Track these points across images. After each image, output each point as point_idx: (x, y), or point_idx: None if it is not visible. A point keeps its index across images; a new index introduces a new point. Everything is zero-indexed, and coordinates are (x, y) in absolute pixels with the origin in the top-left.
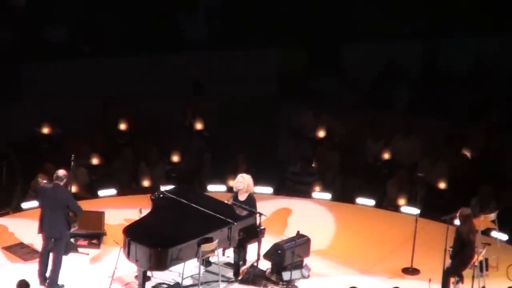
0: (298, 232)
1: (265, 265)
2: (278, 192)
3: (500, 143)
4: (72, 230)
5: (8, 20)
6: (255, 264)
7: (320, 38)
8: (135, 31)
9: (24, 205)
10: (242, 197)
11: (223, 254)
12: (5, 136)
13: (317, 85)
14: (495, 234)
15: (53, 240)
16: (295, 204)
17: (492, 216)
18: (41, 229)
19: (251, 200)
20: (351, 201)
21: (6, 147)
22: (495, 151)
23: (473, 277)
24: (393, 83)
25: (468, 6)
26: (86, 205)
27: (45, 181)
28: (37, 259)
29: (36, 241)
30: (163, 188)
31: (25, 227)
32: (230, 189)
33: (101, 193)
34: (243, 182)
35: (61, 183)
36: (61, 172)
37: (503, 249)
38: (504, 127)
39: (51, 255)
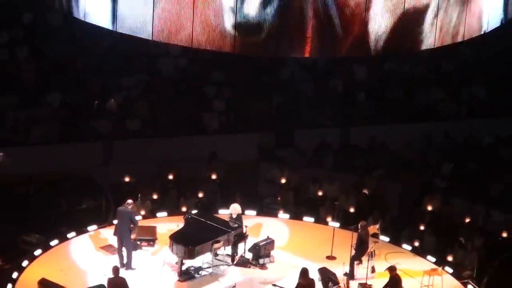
0: (268, 236)
1: (249, 255)
2: (258, 214)
3: (384, 187)
4: (132, 236)
5: (106, 116)
6: (243, 254)
7: (282, 127)
8: (177, 122)
9: (114, 222)
10: (234, 215)
11: (225, 249)
12: (105, 183)
13: (281, 153)
14: (381, 237)
15: (122, 240)
16: (267, 221)
17: (377, 226)
18: (115, 232)
19: (240, 217)
20: (300, 219)
21: (105, 190)
22: (381, 191)
23: (368, 260)
24: (323, 152)
25: (368, 107)
26: (149, 221)
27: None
28: (117, 253)
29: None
30: (191, 211)
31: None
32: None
33: (158, 215)
34: (236, 209)
35: (129, 207)
36: (129, 201)
37: (383, 245)
38: (386, 177)
39: (125, 250)
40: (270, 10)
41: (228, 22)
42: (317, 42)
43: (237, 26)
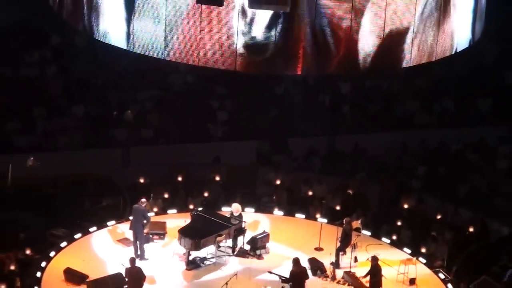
0: (264, 230)
1: (247, 247)
2: (256, 211)
3: (366, 187)
4: (145, 230)
5: (123, 125)
6: (243, 246)
7: (277, 135)
8: (185, 131)
9: (130, 218)
10: (236, 213)
11: (226, 242)
12: (123, 184)
13: (276, 158)
14: (363, 231)
15: (136, 233)
16: (263, 217)
17: (359, 222)
18: (131, 227)
19: (241, 215)
20: (293, 215)
21: (123, 190)
22: (364, 191)
23: (351, 251)
24: (313, 157)
25: (352, 118)
26: (160, 217)
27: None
28: (132, 245)
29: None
30: (197, 209)
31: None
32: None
33: (168, 212)
34: (238, 209)
35: (143, 205)
36: (142, 199)
37: (365, 238)
38: (368, 179)
39: (139, 243)
40: (274, 33)
41: (239, 44)
42: (310, 61)
43: (245, 47)
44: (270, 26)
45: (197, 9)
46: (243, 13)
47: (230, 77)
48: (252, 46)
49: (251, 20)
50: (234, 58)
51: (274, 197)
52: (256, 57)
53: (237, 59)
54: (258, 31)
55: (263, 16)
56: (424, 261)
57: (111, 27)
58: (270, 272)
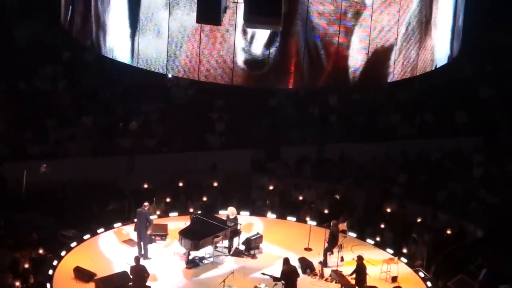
0: (258, 232)
1: (242, 247)
2: (251, 214)
3: (352, 193)
4: (148, 232)
5: (128, 135)
6: (238, 246)
7: (270, 144)
8: (186, 141)
9: (135, 220)
10: (232, 216)
11: (222, 242)
12: (128, 189)
13: (269, 166)
14: (349, 233)
15: (140, 235)
16: (257, 220)
17: (345, 224)
18: (135, 229)
19: (236, 217)
20: (284, 218)
21: (128, 194)
22: (350, 196)
23: (338, 251)
24: (302, 165)
25: (339, 128)
26: (162, 220)
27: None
28: (137, 246)
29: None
30: (196, 212)
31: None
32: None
33: (170, 214)
34: (233, 212)
35: (145, 208)
36: (145, 203)
37: (351, 239)
38: (354, 185)
39: (142, 244)
40: (270, 50)
41: (239, 60)
42: (301, 76)
43: (245, 63)
44: (268, 44)
45: (200, 27)
46: (244, 31)
47: (228, 91)
48: (251, 62)
49: (251, 38)
50: (234, 73)
51: (267, 202)
52: (254, 72)
53: (237, 74)
54: (257, 48)
55: (262, 34)
56: (405, 260)
57: (117, 43)
58: (263, 274)
